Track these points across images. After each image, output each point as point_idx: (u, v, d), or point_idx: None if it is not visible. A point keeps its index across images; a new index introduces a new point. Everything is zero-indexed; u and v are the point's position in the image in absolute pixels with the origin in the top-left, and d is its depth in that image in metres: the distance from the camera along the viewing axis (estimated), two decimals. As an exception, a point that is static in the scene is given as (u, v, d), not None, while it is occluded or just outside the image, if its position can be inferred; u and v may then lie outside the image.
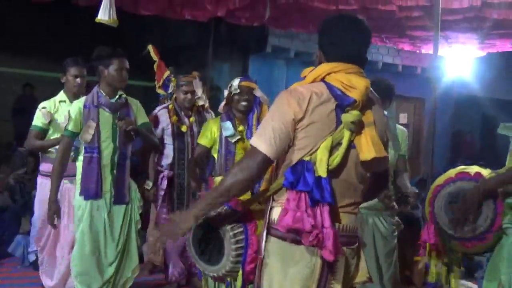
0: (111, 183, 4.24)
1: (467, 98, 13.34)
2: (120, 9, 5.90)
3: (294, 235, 2.33)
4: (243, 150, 4.53)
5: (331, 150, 2.35)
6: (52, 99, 5.06)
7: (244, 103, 4.63)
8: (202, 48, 10.31)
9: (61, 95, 5.03)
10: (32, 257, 6.66)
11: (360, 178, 2.48)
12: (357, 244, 2.52)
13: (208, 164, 5.19)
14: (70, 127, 4.18)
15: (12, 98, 11.23)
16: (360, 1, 7.27)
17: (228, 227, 2.65)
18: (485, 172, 3.33)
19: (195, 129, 5.36)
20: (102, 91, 4.23)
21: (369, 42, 2.55)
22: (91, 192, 4.19)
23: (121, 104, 4.29)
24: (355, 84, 2.38)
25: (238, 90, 4.63)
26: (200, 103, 5.46)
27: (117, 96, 4.28)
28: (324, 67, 2.45)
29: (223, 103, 4.78)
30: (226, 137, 4.60)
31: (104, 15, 4.97)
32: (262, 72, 10.86)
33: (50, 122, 4.87)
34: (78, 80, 4.90)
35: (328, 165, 2.33)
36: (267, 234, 2.44)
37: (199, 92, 5.41)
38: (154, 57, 5.79)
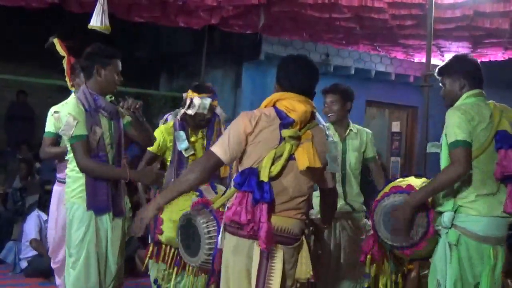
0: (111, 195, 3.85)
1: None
2: (113, 16, 5.90)
3: (237, 229, 2.90)
4: None
5: (274, 160, 2.92)
6: (63, 103, 4.84)
7: (203, 122, 4.43)
8: (195, 56, 10.32)
9: (73, 97, 4.67)
10: (23, 264, 6.63)
11: (299, 186, 2.99)
12: (296, 244, 2.97)
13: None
14: (80, 131, 3.67)
15: (5, 105, 11.18)
16: (353, 9, 7.29)
17: (202, 222, 3.34)
18: (418, 182, 3.62)
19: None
20: (95, 93, 3.80)
21: (316, 79, 3.16)
22: (102, 205, 3.73)
23: (114, 108, 3.91)
24: (296, 108, 2.98)
25: (206, 111, 4.37)
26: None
27: (108, 99, 3.90)
28: (275, 95, 3.08)
29: (182, 112, 4.44)
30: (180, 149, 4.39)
31: (97, 21, 4.99)
32: (255, 80, 10.87)
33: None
34: None
35: (270, 172, 2.88)
36: (223, 228, 3.00)
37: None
38: (62, 52, 5.21)
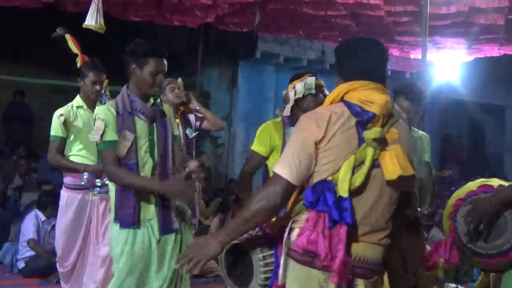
0: (156, 208, 3.38)
1: (455, 103, 13.41)
2: (108, 15, 5.90)
3: (310, 258, 2.24)
4: None
5: (354, 170, 2.26)
6: (68, 105, 4.61)
7: (319, 106, 3.91)
8: (191, 54, 10.32)
9: (78, 100, 4.60)
10: (20, 265, 6.62)
11: (385, 200, 2.35)
12: (377, 277, 2.38)
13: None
14: (110, 137, 3.32)
15: (2, 105, 11.16)
16: (348, 6, 7.30)
17: (258, 250, 2.57)
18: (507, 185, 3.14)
19: (181, 130, 4.84)
20: (133, 94, 3.42)
21: (386, 59, 2.50)
22: (126, 219, 3.33)
23: (158, 112, 3.48)
24: (373, 98, 2.32)
25: (314, 91, 3.88)
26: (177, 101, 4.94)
27: (151, 101, 3.48)
28: (341, 87, 2.40)
29: (288, 106, 3.93)
30: None
31: (92, 20, 4.97)
32: (251, 78, 10.88)
33: (69, 129, 4.50)
34: (97, 86, 4.50)
35: (350, 184, 2.23)
36: (286, 256, 2.35)
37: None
38: (74, 49, 4.94)
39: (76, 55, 4.80)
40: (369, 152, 2.28)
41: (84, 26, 4.98)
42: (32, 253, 6.57)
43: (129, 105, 3.38)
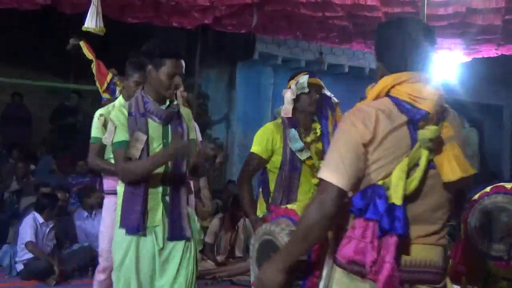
0: (163, 213, 3.27)
1: (452, 103, 13.38)
2: (107, 17, 5.90)
3: (358, 267, 2.04)
4: (311, 168, 3.76)
5: (408, 173, 2.04)
6: (109, 106, 4.39)
7: (313, 104, 3.81)
8: (189, 56, 10.28)
9: (120, 101, 4.33)
10: (19, 267, 6.62)
11: (442, 202, 2.14)
12: (443, 283, 2.16)
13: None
14: (120, 137, 3.24)
15: (0, 107, 11.14)
16: (346, 7, 7.31)
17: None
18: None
19: None
20: (148, 96, 3.33)
21: (434, 43, 2.23)
22: (132, 225, 3.22)
23: (173, 114, 3.38)
24: (424, 94, 2.08)
25: (307, 89, 3.80)
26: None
27: (167, 103, 3.38)
28: (386, 80, 2.15)
29: (287, 106, 3.84)
30: (294, 150, 3.74)
31: (91, 23, 4.98)
32: (249, 79, 10.89)
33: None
34: (141, 87, 4.31)
35: (404, 190, 2.01)
36: (332, 264, 2.17)
37: (179, 99, 4.60)
38: (89, 55, 4.95)
39: (91, 60, 4.77)
40: (424, 153, 2.05)
41: (83, 28, 4.99)
42: (30, 255, 6.57)
43: (142, 107, 3.29)
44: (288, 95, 3.84)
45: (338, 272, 2.13)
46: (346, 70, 11.44)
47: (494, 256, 2.94)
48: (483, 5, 7.13)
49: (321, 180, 2.08)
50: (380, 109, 2.08)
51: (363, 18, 7.76)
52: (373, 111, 2.07)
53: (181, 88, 4.54)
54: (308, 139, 3.82)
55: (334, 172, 2.04)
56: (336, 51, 11.18)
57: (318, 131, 3.87)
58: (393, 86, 2.13)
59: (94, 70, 4.77)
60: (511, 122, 14.70)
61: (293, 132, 3.77)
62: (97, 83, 4.75)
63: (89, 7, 5.00)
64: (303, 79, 3.82)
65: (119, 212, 3.28)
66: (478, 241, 2.99)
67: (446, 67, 10.47)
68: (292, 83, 3.84)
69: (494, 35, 8.26)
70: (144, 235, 3.23)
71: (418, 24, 2.23)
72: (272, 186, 3.82)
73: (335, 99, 3.95)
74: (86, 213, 7.43)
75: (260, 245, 2.54)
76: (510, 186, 3.05)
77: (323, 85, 3.93)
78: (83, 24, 4.96)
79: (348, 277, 2.09)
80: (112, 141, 3.25)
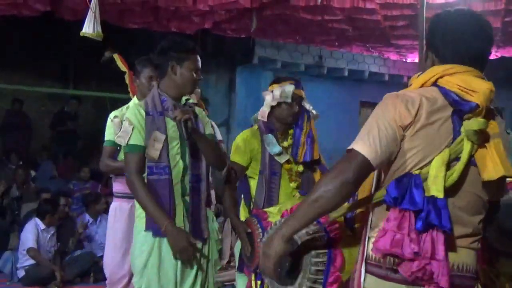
0: (184, 214, 3.19)
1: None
2: (105, 23, 5.91)
3: (390, 267, 1.93)
4: (289, 172, 3.76)
5: (447, 166, 1.93)
6: (123, 108, 4.24)
7: (294, 116, 3.79)
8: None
9: (135, 101, 4.16)
10: (20, 273, 6.61)
11: (476, 203, 2.03)
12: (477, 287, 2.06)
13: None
14: (136, 140, 3.15)
15: (0, 114, 11.15)
16: (345, 11, 7.32)
17: (313, 252, 2.23)
18: None
19: None
20: (165, 94, 3.24)
21: (492, 40, 2.13)
22: (160, 227, 3.10)
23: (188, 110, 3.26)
24: (475, 87, 1.98)
25: (290, 100, 3.75)
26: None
27: (183, 101, 3.31)
28: (436, 69, 2.05)
29: (264, 109, 3.84)
30: (272, 154, 3.73)
31: (89, 28, 4.98)
32: (249, 84, 10.88)
33: None
34: (153, 82, 4.03)
35: (445, 183, 1.91)
36: (365, 271, 2.01)
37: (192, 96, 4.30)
38: (122, 67, 4.84)
39: (124, 72, 4.74)
40: (467, 147, 1.93)
41: (81, 34, 4.98)
42: (32, 261, 6.56)
43: (159, 105, 3.19)
44: (268, 98, 3.81)
45: (371, 282, 1.99)
46: (346, 73, 11.42)
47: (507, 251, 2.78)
48: (482, 7, 7.14)
49: (348, 150, 1.97)
50: (425, 96, 1.98)
51: (362, 22, 7.78)
52: (418, 97, 1.97)
53: None
54: (286, 143, 3.81)
55: (365, 144, 1.93)
56: (335, 54, 11.18)
57: (294, 137, 3.84)
58: (442, 76, 2.04)
59: (127, 81, 4.75)
60: (512, 124, 14.69)
61: (270, 137, 3.77)
62: (130, 93, 4.71)
63: (87, 13, 5.00)
64: (289, 88, 3.76)
65: (142, 215, 3.18)
66: (493, 238, 2.74)
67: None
68: (277, 89, 3.78)
69: (494, 38, 8.27)
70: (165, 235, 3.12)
71: (475, 16, 2.13)
72: (253, 191, 3.81)
73: (313, 112, 3.92)
74: (90, 219, 7.39)
75: None
76: None
77: (304, 97, 3.88)
78: (82, 29, 4.97)
79: (384, 284, 1.96)
80: (127, 141, 3.14)
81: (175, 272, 3.16)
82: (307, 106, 3.89)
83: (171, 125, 3.19)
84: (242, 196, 3.89)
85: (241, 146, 3.79)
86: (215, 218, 3.43)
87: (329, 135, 9.09)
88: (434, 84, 2.04)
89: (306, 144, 3.77)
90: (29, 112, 10.87)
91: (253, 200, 3.81)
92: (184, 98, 3.31)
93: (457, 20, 2.10)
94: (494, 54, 9.43)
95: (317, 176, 3.85)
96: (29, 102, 10.99)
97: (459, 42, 2.06)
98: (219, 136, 4.43)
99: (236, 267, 3.82)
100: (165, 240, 3.12)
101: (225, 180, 3.50)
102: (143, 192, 3.10)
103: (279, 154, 3.73)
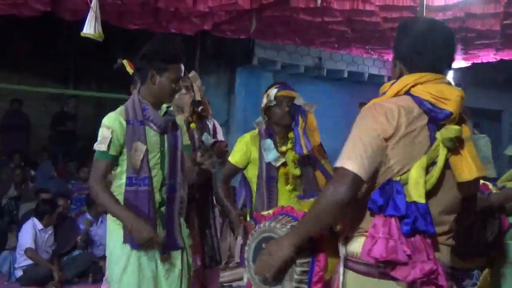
0: (159, 224, 3.16)
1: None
2: (106, 23, 5.91)
3: (378, 269, 2.01)
4: (286, 176, 3.92)
5: (426, 171, 2.05)
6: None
7: (285, 116, 3.92)
8: (188, 62, 10.29)
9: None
10: (18, 273, 6.61)
11: (453, 204, 2.15)
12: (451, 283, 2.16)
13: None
14: (111, 150, 3.09)
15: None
16: (344, 13, 7.32)
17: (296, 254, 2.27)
18: (490, 186, 3.22)
19: (196, 136, 4.36)
20: (146, 101, 3.19)
21: (455, 47, 2.26)
22: (138, 240, 3.05)
23: (169, 121, 3.25)
24: (447, 95, 2.08)
25: (275, 102, 3.91)
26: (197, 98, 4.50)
27: (164, 109, 3.25)
28: (408, 79, 2.14)
29: (262, 118, 4.04)
30: (267, 162, 3.90)
31: (90, 29, 4.98)
32: (249, 85, 10.88)
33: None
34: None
35: (425, 188, 2.02)
36: (344, 268, 2.13)
37: (197, 94, 4.48)
38: (130, 71, 4.98)
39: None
40: (443, 152, 2.05)
41: (82, 34, 4.98)
42: (29, 261, 6.56)
43: (140, 114, 3.14)
44: (262, 105, 3.98)
45: (353, 279, 2.11)
46: (345, 75, 11.44)
47: (460, 251, 3.01)
48: (482, 10, 7.15)
49: (337, 168, 2.05)
50: (402, 106, 2.07)
51: (362, 23, 7.78)
52: (395, 107, 2.06)
53: (198, 82, 4.54)
54: (284, 148, 3.93)
55: (353, 160, 2.01)
56: (335, 56, 11.19)
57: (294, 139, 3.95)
58: (414, 85, 2.12)
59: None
60: (511, 127, 14.70)
61: (269, 142, 3.91)
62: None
63: (88, 13, 5.00)
64: (272, 92, 3.92)
65: (117, 226, 3.12)
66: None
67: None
68: (264, 97, 3.97)
69: (493, 40, 8.29)
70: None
71: (438, 24, 2.24)
72: (253, 195, 3.98)
73: (308, 105, 3.99)
74: (91, 219, 7.36)
75: (259, 243, 2.43)
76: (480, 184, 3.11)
77: (295, 96, 3.97)
78: (82, 30, 4.97)
79: (368, 281, 2.07)
80: (108, 148, 3.08)
81: (154, 280, 3.12)
82: (300, 102, 3.98)
83: (151, 134, 3.15)
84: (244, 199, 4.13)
85: (240, 149, 3.99)
86: (185, 225, 3.38)
87: (328, 137, 9.08)
88: (407, 93, 2.12)
89: (303, 137, 3.85)
90: (28, 112, 10.85)
91: (253, 203, 3.97)
92: (165, 106, 3.26)
93: (424, 29, 2.19)
94: (493, 57, 9.43)
95: (318, 175, 3.95)
96: (29, 102, 10.97)
97: (428, 50, 2.14)
98: (221, 137, 4.50)
99: (242, 263, 3.90)
100: (145, 250, 3.09)
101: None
102: (106, 195, 3.07)
103: (275, 159, 3.87)
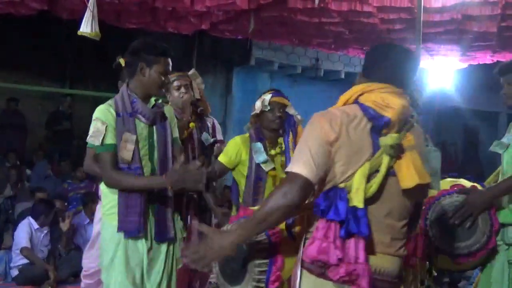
0: (151, 215, 3.26)
1: (449, 110, 13.45)
2: (103, 23, 5.91)
3: (322, 269, 2.13)
4: (273, 178, 4.10)
5: (369, 178, 2.13)
6: None
7: (276, 121, 4.11)
8: (185, 61, 10.32)
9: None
10: (14, 272, 6.60)
11: (400, 210, 2.23)
12: None
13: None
14: (109, 140, 3.17)
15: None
16: (342, 14, 7.32)
17: (255, 255, 2.43)
18: (479, 187, 3.26)
19: (195, 136, 4.40)
20: (135, 94, 3.26)
21: (416, 69, 2.40)
22: (132, 227, 3.16)
23: (158, 113, 3.32)
24: (390, 103, 2.18)
25: (269, 107, 4.10)
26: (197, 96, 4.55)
27: (152, 102, 3.33)
28: (357, 88, 2.28)
29: (251, 121, 4.25)
30: (257, 163, 4.07)
31: (87, 28, 4.97)
32: (246, 85, 10.89)
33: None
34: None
35: (364, 194, 2.11)
36: (300, 267, 2.22)
37: (196, 92, 4.50)
38: None
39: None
40: (385, 160, 2.14)
41: (79, 33, 4.98)
42: (25, 261, 6.55)
43: (129, 106, 3.22)
44: (255, 108, 4.17)
45: (305, 276, 2.20)
46: (342, 76, 11.44)
47: (450, 252, 3.09)
48: (479, 12, 7.16)
49: (287, 172, 2.16)
50: (346, 113, 2.19)
51: (359, 24, 7.79)
52: (339, 114, 2.19)
53: (198, 80, 4.61)
54: (273, 152, 4.13)
55: (302, 164, 2.12)
56: (332, 57, 11.20)
57: (283, 145, 4.19)
58: (362, 93, 2.25)
59: None
60: (507, 128, 14.74)
61: (259, 145, 4.10)
62: None
63: (85, 12, 5.00)
64: (267, 97, 4.11)
65: (110, 212, 3.23)
66: (436, 237, 3.11)
67: (442, 73, 10.50)
68: (258, 101, 4.15)
69: (490, 42, 8.30)
70: (142, 234, 3.20)
71: (405, 51, 2.38)
72: (241, 193, 4.18)
73: (298, 117, 4.22)
74: (87, 219, 7.33)
75: None
76: (469, 185, 3.21)
77: (288, 103, 4.19)
78: (79, 29, 4.96)
79: (315, 279, 2.17)
80: (102, 141, 3.15)
81: (141, 270, 3.22)
82: (291, 111, 4.22)
83: (140, 126, 3.23)
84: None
85: (230, 150, 4.17)
86: (179, 218, 3.46)
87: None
88: (356, 101, 2.25)
89: (292, 150, 4.06)
90: (25, 111, 10.84)
91: (241, 201, 4.17)
92: (153, 99, 3.33)
93: (391, 50, 2.36)
94: (490, 59, 9.45)
95: None
96: (25, 101, 10.95)
97: (390, 67, 2.28)
98: (220, 136, 4.62)
99: None
100: (135, 241, 3.19)
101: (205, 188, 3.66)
102: (123, 177, 3.15)
103: (265, 162, 4.07)
